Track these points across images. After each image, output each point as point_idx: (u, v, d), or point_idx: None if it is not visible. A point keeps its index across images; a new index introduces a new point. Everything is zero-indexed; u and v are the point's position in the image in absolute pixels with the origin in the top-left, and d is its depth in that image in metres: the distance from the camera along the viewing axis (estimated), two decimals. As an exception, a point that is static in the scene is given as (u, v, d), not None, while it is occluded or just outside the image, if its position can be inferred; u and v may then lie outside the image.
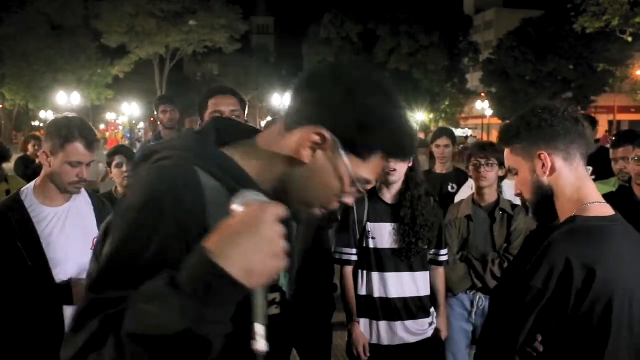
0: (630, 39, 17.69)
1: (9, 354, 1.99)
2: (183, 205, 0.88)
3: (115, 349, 0.75)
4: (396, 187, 2.49)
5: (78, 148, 2.00)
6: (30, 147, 6.77)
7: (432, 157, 4.26)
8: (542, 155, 1.44)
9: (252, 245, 0.76)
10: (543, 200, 1.44)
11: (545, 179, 1.43)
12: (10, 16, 32.13)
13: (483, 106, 41.31)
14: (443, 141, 4.02)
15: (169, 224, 0.86)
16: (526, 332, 1.32)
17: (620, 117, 39.42)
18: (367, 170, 1.00)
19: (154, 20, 34.74)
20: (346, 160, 0.97)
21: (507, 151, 1.52)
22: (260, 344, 0.80)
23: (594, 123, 4.07)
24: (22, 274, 1.96)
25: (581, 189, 1.44)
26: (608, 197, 2.76)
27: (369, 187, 1.05)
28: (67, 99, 30.02)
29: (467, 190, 3.48)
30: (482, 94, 43.12)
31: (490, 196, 2.82)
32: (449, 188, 3.92)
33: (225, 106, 2.25)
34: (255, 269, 0.76)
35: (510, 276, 1.48)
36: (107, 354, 0.76)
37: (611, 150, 3.36)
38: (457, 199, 3.45)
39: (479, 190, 2.82)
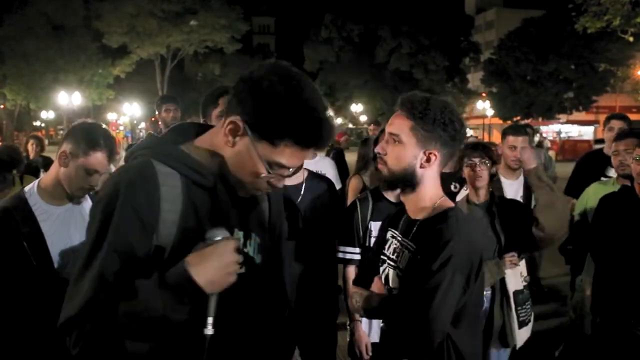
0: (631, 39, 17.67)
1: (13, 353, 1.98)
2: (135, 188, 1.14)
3: (105, 323, 1.08)
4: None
5: (100, 157, 2.01)
6: (30, 147, 6.72)
7: None
8: (430, 154, 1.60)
9: (215, 267, 1.11)
10: (401, 180, 1.64)
11: (419, 170, 1.61)
12: (11, 16, 32.15)
13: (484, 106, 41.29)
14: None
15: (124, 204, 1.12)
16: None
17: (622, 117, 39.32)
18: (279, 155, 1.16)
19: (154, 20, 34.73)
20: (256, 145, 1.15)
21: (407, 122, 1.59)
22: (209, 330, 1.12)
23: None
24: (27, 273, 1.95)
25: (437, 187, 1.67)
26: (610, 197, 2.78)
27: (289, 173, 1.21)
28: (68, 99, 30.03)
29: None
30: (483, 94, 43.11)
31: (485, 194, 2.83)
32: (452, 187, 3.93)
33: None
34: (215, 281, 1.11)
35: None
36: (99, 326, 1.08)
37: (613, 144, 3.36)
38: (459, 199, 3.45)
39: (475, 189, 2.82)
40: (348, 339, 2.78)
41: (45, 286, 1.98)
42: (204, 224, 1.18)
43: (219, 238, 1.14)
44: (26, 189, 2.10)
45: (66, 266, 2.04)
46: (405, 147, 1.60)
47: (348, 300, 1.76)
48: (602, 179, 3.74)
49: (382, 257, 1.79)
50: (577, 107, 38.46)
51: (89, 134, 2.02)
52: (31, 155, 6.54)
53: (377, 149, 1.66)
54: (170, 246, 1.15)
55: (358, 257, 2.57)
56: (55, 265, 2.01)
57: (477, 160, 2.76)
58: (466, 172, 2.81)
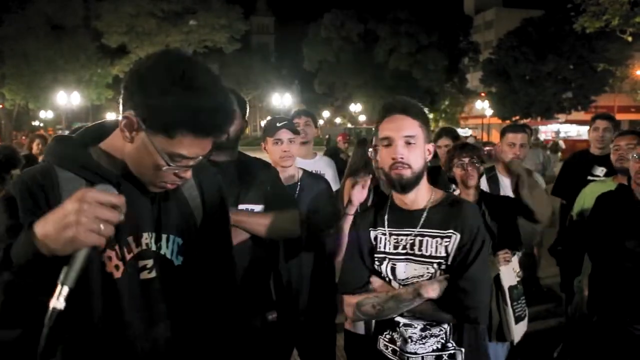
0: (630, 39, 17.68)
1: (11, 353, 1.99)
2: (35, 196, 1.13)
3: None
4: None
5: None
6: (34, 146, 6.76)
7: (435, 155, 4.27)
8: (430, 145, 1.79)
9: (53, 219, 0.97)
10: (420, 176, 1.75)
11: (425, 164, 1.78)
12: (10, 16, 32.12)
13: (483, 106, 41.34)
14: (443, 142, 4.04)
15: (21, 208, 1.10)
16: None
17: (620, 116, 39.35)
18: (178, 147, 1.12)
19: (154, 20, 34.75)
20: (153, 139, 1.12)
21: (415, 122, 1.72)
22: (59, 303, 0.95)
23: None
24: None
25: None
26: (607, 196, 2.80)
27: (192, 162, 1.17)
28: (67, 99, 30.03)
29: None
30: (482, 94, 43.14)
31: (475, 194, 2.86)
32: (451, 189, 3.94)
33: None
34: (49, 234, 0.96)
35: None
36: None
37: (614, 140, 3.41)
38: None
39: (466, 189, 2.85)
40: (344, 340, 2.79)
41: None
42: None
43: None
44: None
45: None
46: (419, 146, 1.72)
47: (360, 308, 1.75)
48: (589, 178, 3.77)
49: (375, 256, 1.82)
50: (575, 107, 38.51)
51: None
52: (35, 154, 6.60)
53: (397, 156, 1.70)
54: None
55: None
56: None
57: (467, 160, 2.80)
58: (457, 172, 2.85)
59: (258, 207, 2.27)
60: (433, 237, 1.74)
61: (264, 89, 46.44)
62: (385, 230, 1.80)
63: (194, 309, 1.32)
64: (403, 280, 1.77)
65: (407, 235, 1.77)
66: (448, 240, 1.73)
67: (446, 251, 1.73)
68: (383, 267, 1.80)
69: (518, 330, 2.75)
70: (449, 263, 1.73)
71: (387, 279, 1.80)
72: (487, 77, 41.33)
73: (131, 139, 1.14)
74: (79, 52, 33.54)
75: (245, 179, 2.24)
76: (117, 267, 1.22)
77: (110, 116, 45.00)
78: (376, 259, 1.81)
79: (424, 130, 1.73)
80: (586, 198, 3.30)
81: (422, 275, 1.75)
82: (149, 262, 1.26)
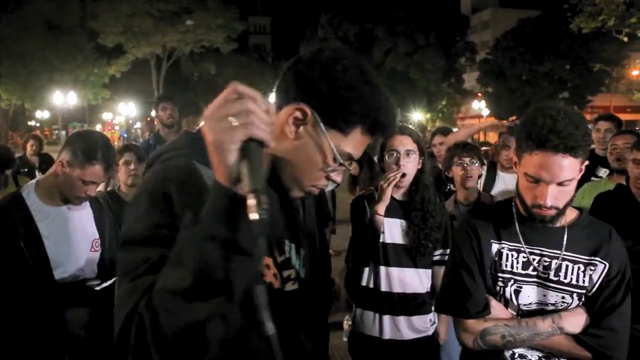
0: (626, 39, 17.71)
1: (9, 354, 1.98)
2: (185, 192, 0.97)
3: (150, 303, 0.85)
4: (405, 185, 2.50)
5: (96, 170, 2.01)
6: (28, 147, 6.71)
7: (431, 156, 4.31)
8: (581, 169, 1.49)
9: (214, 123, 0.85)
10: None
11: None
12: (7, 16, 31.99)
13: (480, 106, 41.37)
14: (438, 139, 4.07)
15: (174, 208, 0.95)
16: None
17: (617, 117, 39.50)
18: (348, 144, 1.07)
19: (150, 20, 34.63)
20: (327, 134, 1.04)
21: (575, 161, 1.43)
22: (259, 212, 0.82)
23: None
24: (23, 273, 1.94)
25: None
26: (606, 196, 2.80)
27: (352, 165, 1.12)
28: (63, 99, 29.93)
29: None
30: (479, 94, 43.18)
31: (473, 194, 2.86)
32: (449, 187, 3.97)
33: None
34: (215, 139, 0.84)
35: None
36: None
37: (611, 140, 3.42)
38: None
39: (464, 188, 2.85)
40: (345, 338, 2.78)
41: (41, 287, 1.97)
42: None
43: None
44: (23, 188, 2.09)
45: (63, 267, 2.04)
46: (574, 182, 1.49)
47: (486, 337, 1.52)
48: (593, 179, 3.76)
49: (500, 275, 1.58)
50: (572, 107, 38.56)
51: (87, 146, 2.01)
52: (28, 154, 6.55)
53: (548, 202, 1.47)
54: None
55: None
56: (52, 265, 2.00)
57: (467, 159, 2.79)
58: (457, 171, 2.84)
59: None
60: (574, 262, 1.52)
61: (261, 89, 46.32)
62: (517, 247, 1.56)
63: (314, 324, 1.27)
64: (525, 305, 1.56)
65: (543, 255, 1.54)
66: (593, 268, 1.51)
67: (590, 281, 1.52)
68: (507, 289, 1.57)
69: None
70: (590, 294, 1.52)
71: (501, 301, 1.58)
72: (483, 77, 41.35)
73: (295, 133, 1.05)
74: (75, 52, 33.43)
75: None
76: (275, 276, 1.11)
77: (107, 116, 44.89)
78: (500, 279, 1.58)
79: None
80: (584, 198, 3.30)
81: (553, 304, 1.54)
82: (292, 273, 1.17)
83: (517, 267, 1.55)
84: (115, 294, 0.97)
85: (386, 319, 2.46)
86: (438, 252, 2.56)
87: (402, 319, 2.46)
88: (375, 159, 3.98)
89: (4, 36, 31.37)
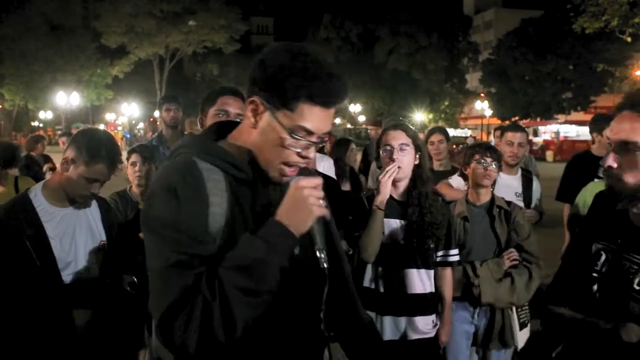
0: (629, 39, 17.70)
1: (17, 355, 1.98)
2: (187, 185, 1.18)
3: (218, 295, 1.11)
4: (403, 184, 2.49)
5: (101, 168, 2.01)
6: (40, 147, 6.84)
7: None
8: None
9: (300, 213, 1.20)
10: None
11: None
12: (10, 16, 32.11)
13: (482, 106, 41.31)
14: (436, 137, 4.04)
15: (181, 199, 1.16)
16: None
17: (620, 117, 39.37)
18: (300, 118, 1.19)
19: (153, 20, 34.73)
20: (276, 115, 1.19)
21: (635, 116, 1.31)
22: (322, 263, 1.27)
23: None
24: (31, 274, 1.95)
25: None
26: (604, 194, 2.79)
27: (314, 139, 1.23)
28: (66, 99, 30.03)
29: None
30: (482, 94, 43.13)
31: (486, 195, 2.83)
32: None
33: (233, 108, 2.23)
34: (299, 225, 1.20)
35: None
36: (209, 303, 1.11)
37: (609, 139, 3.40)
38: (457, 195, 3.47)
39: (479, 188, 2.81)
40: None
41: (48, 287, 1.98)
42: (248, 217, 1.23)
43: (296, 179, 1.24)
44: (31, 189, 2.10)
45: (70, 267, 2.05)
46: None
47: None
48: (596, 180, 3.73)
49: (595, 274, 1.47)
50: (575, 107, 38.51)
51: (91, 144, 2.01)
52: (37, 154, 6.71)
53: (608, 163, 1.38)
54: (220, 238, 1.19)
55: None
56: (59, 266, 2.01)
57: (489, 159, 2.77)
58: (476, 169, 2.79)
59: None
60: None
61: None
62: (612, 247, 1.45)
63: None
64: None
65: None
66: None
67: None
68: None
69: (522, 336, 2.75)
70: None
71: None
72: (486, 78, 41.34)
73: (255, 123, 1.22)
74: (78, 52, 33.56)
75: None
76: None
77: (110, 116, 45.00)
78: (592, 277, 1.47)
79: None
80: (586, 198, 3.29)
81: None
82: (324, 255, 1.34)
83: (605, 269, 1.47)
84: (151, 277, 1.17)
85: (387, 319, 2.45)
86: (440, 252, 2.55)
87: (403, 320, 2.44)
88: (373, 164, 3.98)
89: (6, 37, 31.51)
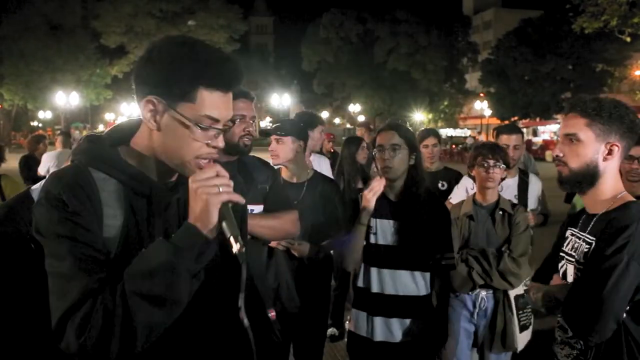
0: (628, 39, 17.72)
1: (18, 355, 1.99)
2: (75, 197, 1.13)
3: (120, 303, 1.06)
4: (398, 184, 2.48)
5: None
6: (41, 147, 6.87)
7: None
8: (611, 145, 1.63)
9: (196, 207, 1.12)
10: (585, 177, 1.66)
11: (601, 164, 1.64)
12: (9, 16, 32.10)
13: (482, 106, 41.33)
14: (431, 140, 4.04)
15: (70, 211, 1.13)
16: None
17: (619, 117, 39.45)
18: (205, 108, 1.14)
19: (153, 20, 34.75)
20: (178, 108, 1.14)
21: (582, 120, 1.64)
22: (239, 246, 1.10)
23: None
24: (32, 274, 1.95)
25: (618, 180, 1.71)
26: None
27: (221, 126, 1.18)
28: (65, 99, 30.01)
29: (462, 189, 3.49)
30: (481, 94, 43.16)
31: (492, 196, 2.83)
32: (439, 186, 3.96)
33: (247, 111, 2.19)
34: (203, 220, 1.11)
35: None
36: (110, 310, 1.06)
37: None
38: (454, 197, 3.46)
39: (483, 190, 2.82)
40: (345, 339, 2.78)
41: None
42: (143, 230, 1.19)
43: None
44: (33, 188, 2.10)
45: None
46: (584, 144, 1.63)
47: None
48: None
49: (560, 254, 1.80)
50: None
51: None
52: (40, 153, 6.75)
53: (555, 152, 1.70)
54: (114, 251, 1.15)
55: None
56: None
57: (491, 161, 2.76)
58: (479, 172, 2.80)
59: (258, 208, 2.27)
60: (588, 243, 1.69)
61: (263, 89, 46.42)
62: (575, 231, 1.78)
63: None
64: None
65: (580, 238, 1.73)
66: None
67: None
68: (560, 265, 1.80)
69: (522, 339, 2.75)
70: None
71: (561, 278, 1.79)
72: (485, 78, 41.37)
73: (157, 125, 1.16)
74: (77, 52, 33.53)
75: (245, 179, 2.24)
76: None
77: (109, 116, 44.98)
78: (559, 257, 1.81)
79: (596, 129, 1.65)
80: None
81: None
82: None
83: (568, 249, 1.77)
84: (51, 281, 1.18)
85: (377, 320, 2.42)
86: (437, 255, 2.52)
87: (394, 321, 2.41)
88: (372, 167, 3.97)
89: (5, 36, 31.49)
